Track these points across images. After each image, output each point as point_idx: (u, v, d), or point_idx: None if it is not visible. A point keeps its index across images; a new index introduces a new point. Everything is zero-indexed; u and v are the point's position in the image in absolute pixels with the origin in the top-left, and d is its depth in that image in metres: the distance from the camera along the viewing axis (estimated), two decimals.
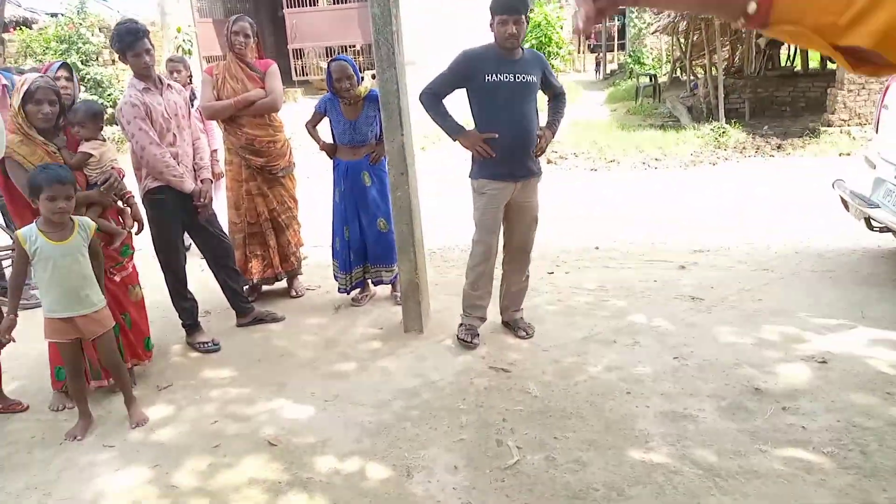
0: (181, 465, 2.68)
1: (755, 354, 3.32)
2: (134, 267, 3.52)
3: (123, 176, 3.38)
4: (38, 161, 3.01)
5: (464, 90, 3.42)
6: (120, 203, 3.55)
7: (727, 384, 3.05)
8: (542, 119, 3.53)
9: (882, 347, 3.31)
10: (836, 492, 2.28)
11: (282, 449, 2.75)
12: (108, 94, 12.34)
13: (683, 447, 2.59)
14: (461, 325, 3.70)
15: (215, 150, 5.08)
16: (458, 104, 3.46)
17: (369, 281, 4.39)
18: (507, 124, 3.34)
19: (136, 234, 3.59)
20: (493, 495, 2.37)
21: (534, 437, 2.72)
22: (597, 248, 5.32)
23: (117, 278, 3.32)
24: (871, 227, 4.47)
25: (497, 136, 3.33)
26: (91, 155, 3.17)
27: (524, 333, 3.68)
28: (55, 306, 2.86)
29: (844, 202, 4.56)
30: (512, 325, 3.75)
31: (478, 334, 3.67)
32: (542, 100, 3.44)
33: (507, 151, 3.36)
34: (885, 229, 4.43)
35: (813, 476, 2.37)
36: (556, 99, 3.64)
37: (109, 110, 11.31)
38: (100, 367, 3.23)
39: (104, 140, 3.31)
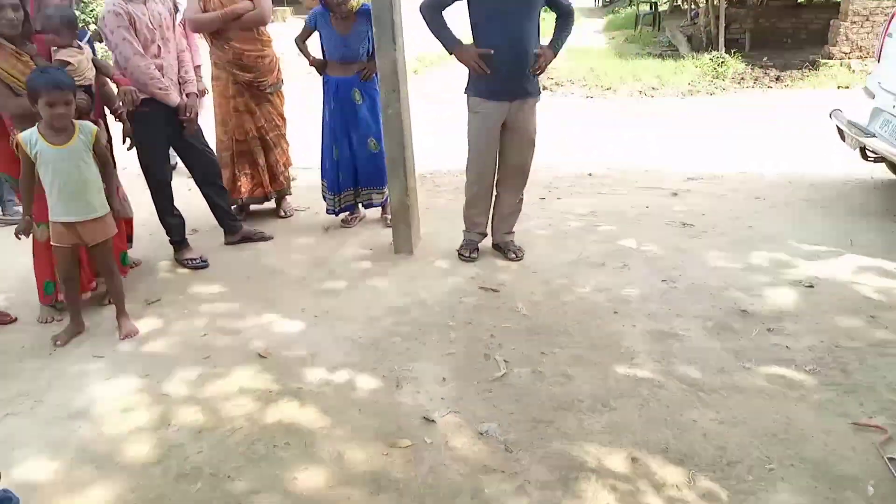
0: (171, 375, 2.69)
1: (743, 278, 3.34)
2: None
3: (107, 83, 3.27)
4: (10, 69, 2.90)
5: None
6: (111, 116, 3.46)
7: (714, 306, 3.08)
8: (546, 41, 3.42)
9: (869, 274, 3.34)
10: (816, 406, 2.33)
11: (272, 361, 2.77)
12: (91, 10, 11.86)
13: (668, 364, 2.63)
14: (463, 240, 3.74)
15: (198, 66, 4.91)
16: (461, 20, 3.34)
17: (360, 204, 4.35)
18: (503, 41, 3.23)
19: (128, 150, 3.52)
20: (480, 405, 2.41)
21: (521, 352, 2.75)
22: (590, 174, 5.29)
23: None
24: (865, 157, 4.45)
25: (493, 52, 3.23)
26: (69, 63, 3.04)
27: (514, 255, 3.68)
28: (57, 209, 2.85)
29: (841, 132, 4.51)
30: (503, 247, 3.74)
31: (477, 249, 3.73)
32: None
33: (503, 69, 3.27)
34: (879, 159, 4.41)
35: (794, 392, 2.42)
36: (563, 18, 3.47)
37: (92, 27, 10.90)
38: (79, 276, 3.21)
39: (80, 48, 3.18)
